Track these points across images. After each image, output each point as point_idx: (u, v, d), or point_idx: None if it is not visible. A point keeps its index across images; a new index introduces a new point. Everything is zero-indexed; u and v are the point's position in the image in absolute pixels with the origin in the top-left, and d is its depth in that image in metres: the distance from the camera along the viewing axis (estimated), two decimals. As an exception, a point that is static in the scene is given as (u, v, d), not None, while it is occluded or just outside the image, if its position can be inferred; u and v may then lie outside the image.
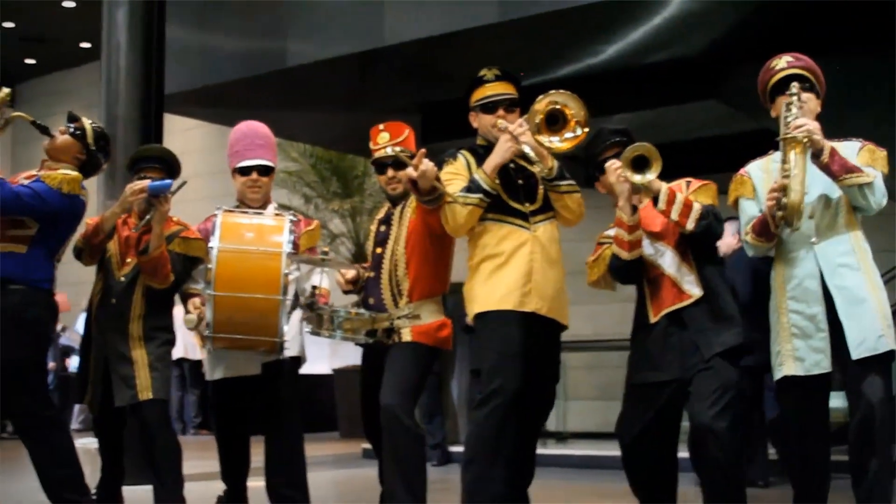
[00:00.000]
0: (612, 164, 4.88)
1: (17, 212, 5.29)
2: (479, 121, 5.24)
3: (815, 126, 4.57)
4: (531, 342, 4.97)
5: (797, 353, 4.67)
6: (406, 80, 10.55)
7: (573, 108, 4.81)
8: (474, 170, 5.06)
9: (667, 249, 4.95)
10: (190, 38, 10.73)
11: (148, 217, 5.50)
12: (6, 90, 5.47)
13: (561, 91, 4.83)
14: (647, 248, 4.97)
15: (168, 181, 5.52)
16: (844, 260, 4.65)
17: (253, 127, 5.93)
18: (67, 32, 18.91)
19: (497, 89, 5.20)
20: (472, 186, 4.98)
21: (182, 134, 17.47)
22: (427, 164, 4.91)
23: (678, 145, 9.85)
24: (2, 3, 17.04)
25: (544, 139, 4.80)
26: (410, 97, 10.69)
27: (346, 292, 5.62)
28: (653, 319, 4.94)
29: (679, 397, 4.88)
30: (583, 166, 5.20)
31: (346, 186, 14.98)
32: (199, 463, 7.44)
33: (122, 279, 5.69)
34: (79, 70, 20.48)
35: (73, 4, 17.54)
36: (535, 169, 5.03)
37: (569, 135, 4.82)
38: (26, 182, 5.40)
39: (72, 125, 5.65)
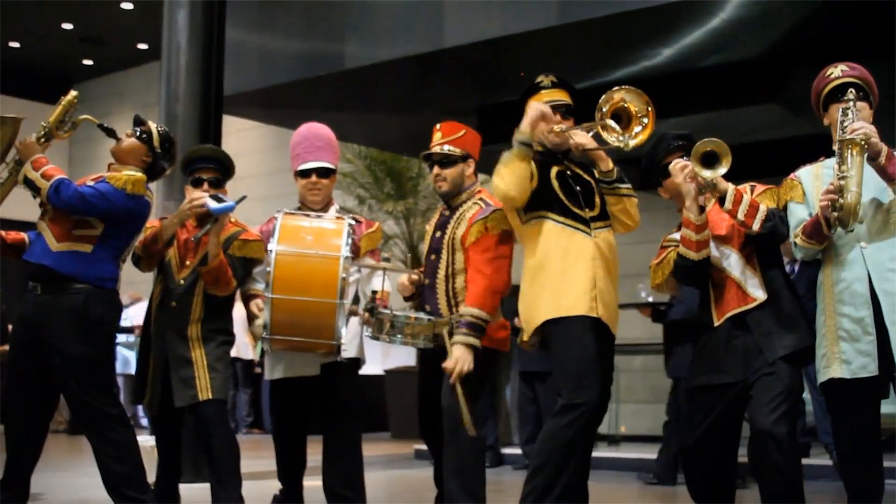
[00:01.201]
0: (678, 164, 4.87)
1: (83, 212, 5.34)
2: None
3: (872, 129, 4.54)
4: (603, 349, 4.97)
5: (844, 356, 4.63)
6: (463, 83, 10.56)
7: (635, 103, 4.80)
8: (534, 171, 5.00)
9: (732, 252, 4.94)
10: (249, 40, 10.80)
11: (207, 227, 5.53)
12: (74, 93, 5.55)
13: (618, 88, 4.83)
14: (713, 250, 4.95)
15: (231, 203, 5.52)
16: (893, 265, 4.63)
17: (313, 129, 5.96)
18: (125, 33, 19.08)
19: (553, 96, 5.16)
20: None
21: (237, 135, 17.58)
22: None
23: (734, 149, 9.73)
24: (61, 5, 17.24)
25: (612, 138, 4.79)
26: (468, 100, 10.69)
27: (406, 298, 5.62)
28: (717, 322, 4.93)
29: (741, 400, 4.86)
30: (645, 171, 5.19)
31: (400, 188, 15.01)
32: (252, 462, 7.50)
33: (182, 282, 5.74)
34: (136, 71, 20.65)
35: (130, 6, 17.70)
36: (596, 172, 5.04)
37: (637, 129, 4.80)
38: (92, 183, 5.46)
39: (138, 128, 5.70)
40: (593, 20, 8.56)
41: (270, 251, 5.37)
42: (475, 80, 10.37)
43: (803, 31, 9.00)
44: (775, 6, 8.52)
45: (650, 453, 9.47)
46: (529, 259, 5.10)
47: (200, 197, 5.56)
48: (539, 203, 5.02)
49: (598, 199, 5.11)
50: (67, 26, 18.86)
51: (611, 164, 4.98)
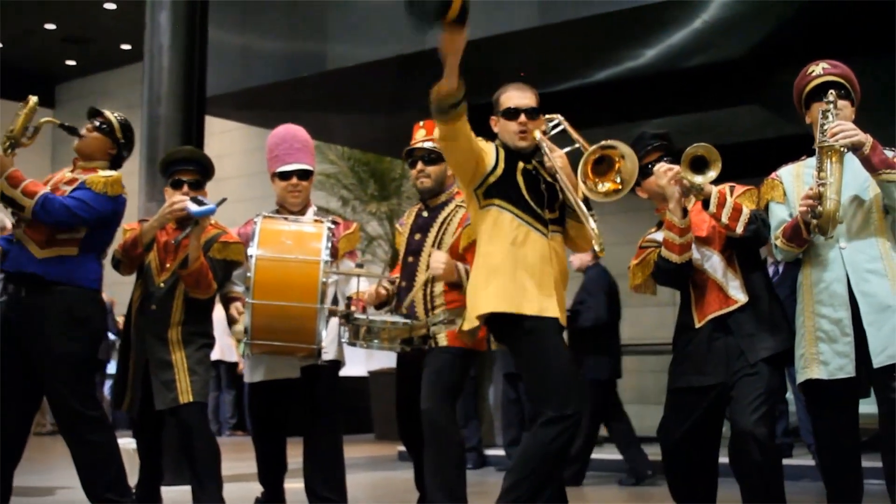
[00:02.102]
0: (662, 167, 4.84)
1: (69, 224, 5.36)
2: (500, 125, 5.02)
3: (850, 126, 4.53)
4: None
5: (822, 357, 4.64)
6: (446, 84, 10.50)
7: (626, 165, 4.64)
8: (501, 158, 4.89)
9: (713, 254, 4.93)
10: (231, 41, 10.79)
11: (188, 230, 5.51)
12: (34, 99, 5.51)
13: (627, 146, 4.66)
14: (694, 252, 4.95)
15: (212, 206, 5.51)
16: (872, 266, 4.62)
17: (291, 130, 5.96)
18: (108, 34, 19.05)
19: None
20: None
21: (220, 136, 17.56)
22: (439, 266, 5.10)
23: (718, 149, 9.80)
24: (43, 5, 17.19)
25: (600, 186, 4.69)
26: (450, 100, 10.60)
27: (377, 306, 5.59)
28: (697, 324, 4.92)
29: (721, 402, 4.86)
30: None
31: (383, 189, 15.00)
32: (235, 464, 7.48)
33: (162, 285, 5.71)
34: (119, 71, 20.63)
35: (113, 6, 17.66)
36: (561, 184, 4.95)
37: (607, 185, 4.66)
38: (69, 190, 5.43)
39: (97, 120, 5.67)
40: (576, 21, 8.56)
41: (251, 256, 5.35)
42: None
43: (786, 33, 9.01)
44: (758, 7, 8.53)
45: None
46: (481, 246, 4.92)
47: (181, 201, 5.54)
48: (499, 191, 4.87)
49: (557, 205, 5.00)
50: (50, 26, 18.83)
51: (594, 196, 4.84)
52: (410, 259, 5.48)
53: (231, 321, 5.74)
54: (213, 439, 5.77)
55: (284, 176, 5.80)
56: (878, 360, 4.52)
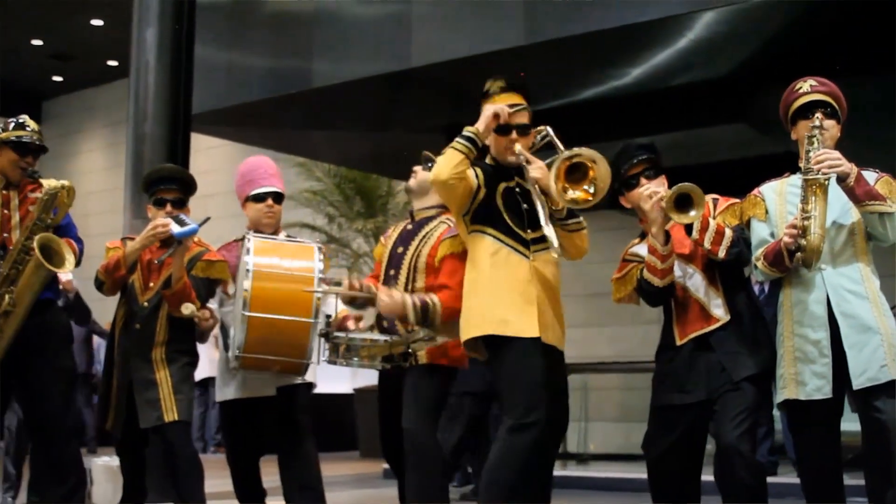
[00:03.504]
0: (647, 190, 4.87)
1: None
2: (492, 141, 5.02)
3: (835, 155, 4.54)
4: (551, 370, 4.96)
5: (800, 378, 4.66)
6: (432, 102, 10.58)
7: (599, 172, 4.64)
8: (482, 182, 4.94)
9: (695, 272, 4.94)
10: (217, 58, 10.79)
11: (171, 250, 5.51)
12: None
13: (596, 154, 4.65)
14: (677, 270, 4.96)
15: (195, 226, 5.51)
16: (853, 287, 4.64)
17: (263, 159, 6.10)
18: (95, 50, 19.04)
19: (505, 100, 4.99)
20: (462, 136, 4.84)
21: (206, 152, 17.56)
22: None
23: (704, 168, 9.86)
24: (30, 21, 17.18)
25: (558, 185, 4.72)
26: (436, 118, 10.69)
27: (353, 305, 5.53)
28: (679, 342, 4.94)
29: (704, 418, 4.89)
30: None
31: (369, 206, 15.02)
32: (221, 482, 7.44)
33: (146, 304, 5.71)
34: (106, 87, 20.63)
35: (100, 23, 17.67)
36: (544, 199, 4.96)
37: (578, 193, 4.67)
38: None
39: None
40: (562, 39, 8.59)
41: (248, 270, 5.35)
42: (444, 98, 10.37)
43: (771, 51, 9.06)
44: (743, 27, 8.58)
45: (619, 472, 9.50)
46: (468, 271, 5.00)
47: (165, 224, 5.53)
48: (482, 217, 4.93)
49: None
50: (37, 42, 18.81)
51: (562, 203, 4.90)
52: (391, 272, 5.47)
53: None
54: (196, 458, 5.76)
55: (260, 198, 5.85)
56: (857, 383, 4.54)
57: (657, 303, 5.05)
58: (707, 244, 4.77)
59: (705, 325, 4.88)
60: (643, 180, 5.00)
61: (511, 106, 4.94)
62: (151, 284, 5.72)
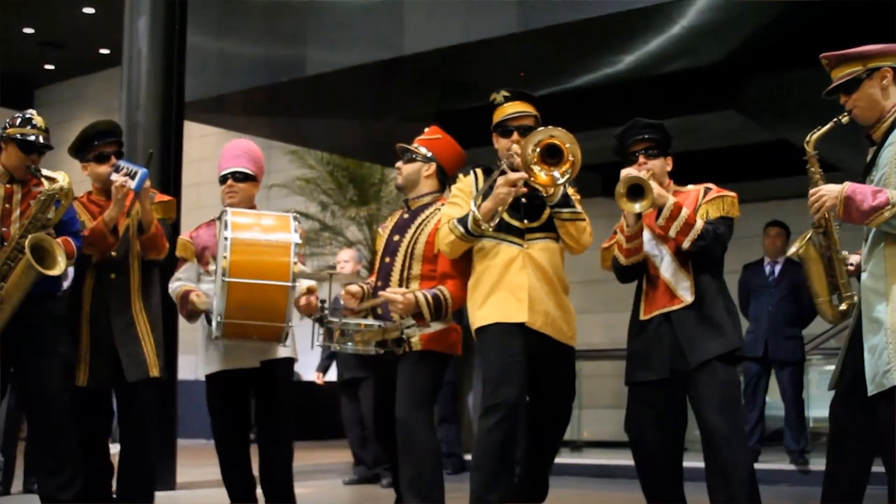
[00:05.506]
0: (625, 171, 4.98)
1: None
2: (497, 143, 5.29)
3: (817, 194, 4.40)
4: (532, 352, 5.04)
5: None
6: (425, 89, 10.57)
7: (571, 147, 4.83)
8: (479, 188, 5.13)
9: (666, 253, 5.04)
10: (210, 46, 10.77)
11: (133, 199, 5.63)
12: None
13: (560, 129, 4.86)
14: (652, 249, 5.07)
15: (144, 171, 5.55)
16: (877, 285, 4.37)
17: (235, 142, 6.11)
18: (86, 38, 19.00)
19: (509, 110, 5.25)
20: (464, 219, 5.08)
21: (199, 140, 17.53)
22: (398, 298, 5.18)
23: (695, 155, 9.87)
24: (22, 9, 17.13)
25: (542, 174, 4.86)
26: (428, 106, 10.69)
27: (351, 311, 5.56)
28: (643, 316, 5.08)
29: (676, 395, 5.00)
30: (615, 151, 5.27)
31: (362, 194, 15.03)
32: (211, 470, 7.43)
33: (114, 253, 5.74)
34: (97, 75, 20.58)
35: (92, 10, 17.62)
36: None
37: (557, 173, 4.88)
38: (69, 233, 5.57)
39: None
40: (554, 27, 8.58)
41: (226, 238, 5.36)
42: (436, 86, 10.38)
43: (762, 38, 9.06)
44: (735, 14, 8.57)
45: (613, 459, 9.53)
46: (471, 274, 5.28)
47: (124, 183, 5.52)
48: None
49: (546, 212, 5.19)
50: (28, 30, 18.76)
51: (552, 190, 5.05)
52: (387, 259, 5.50)
53: (195, 312, 5.73)
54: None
55: (222, 180, 5.86)
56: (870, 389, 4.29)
57: (624, 279, 5.19)
58: (673, 233, 4.89)
59: (668, 305, 4.98)
60: (641, 158, 5.09)
61: (516, 113, 5.22)
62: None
